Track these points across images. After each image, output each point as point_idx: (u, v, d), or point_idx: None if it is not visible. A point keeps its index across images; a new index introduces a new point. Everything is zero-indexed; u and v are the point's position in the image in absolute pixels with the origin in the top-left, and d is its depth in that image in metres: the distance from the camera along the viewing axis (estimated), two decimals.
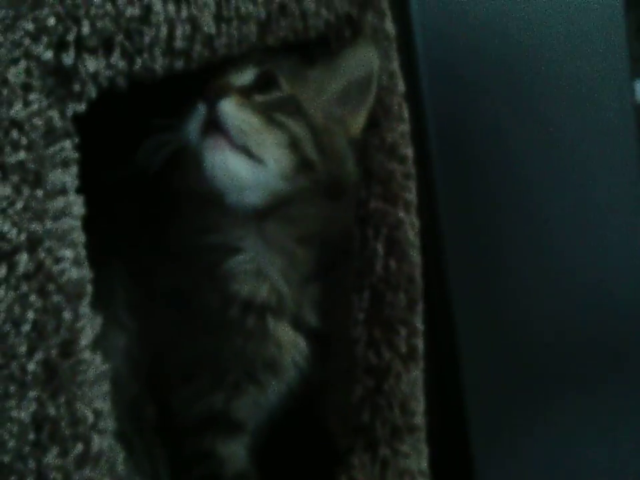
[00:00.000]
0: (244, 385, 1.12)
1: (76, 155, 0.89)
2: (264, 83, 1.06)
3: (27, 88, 0.86)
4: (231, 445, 1.13)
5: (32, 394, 0.87)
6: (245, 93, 1.04)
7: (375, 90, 1.10)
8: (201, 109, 0.99)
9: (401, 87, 1.14)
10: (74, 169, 0.89)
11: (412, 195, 1.13)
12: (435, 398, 1.22)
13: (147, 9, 0.90)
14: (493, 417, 1.36)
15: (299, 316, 1.10)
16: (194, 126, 0.99)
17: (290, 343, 1.12)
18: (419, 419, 1.17)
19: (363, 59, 1.07)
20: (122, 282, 1.11)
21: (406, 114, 1.15)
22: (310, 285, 1.11)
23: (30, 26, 0.84)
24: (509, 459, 1.37)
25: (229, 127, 1.00)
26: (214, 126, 1.00)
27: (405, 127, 1.15)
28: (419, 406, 1.18)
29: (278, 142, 1.03)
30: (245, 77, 1.06)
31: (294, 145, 1.03)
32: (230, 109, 1.00)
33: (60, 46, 0.86)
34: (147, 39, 0.90)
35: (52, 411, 0.87)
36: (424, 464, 1.19)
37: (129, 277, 1.11)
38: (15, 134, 0.84)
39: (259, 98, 1.05)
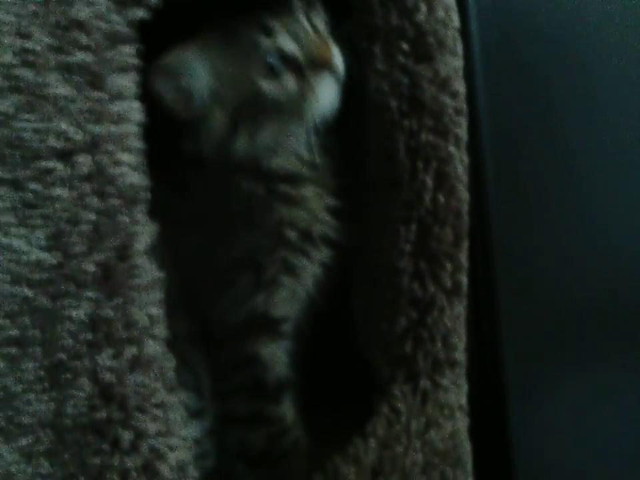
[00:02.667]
0: (280, 278, 1.13)
1: (137, 62, 0.89)
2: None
3: None
4: (273, 347, 1.14)
5: (89, 294, 0.87)
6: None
7: None
8: None
9: (456, 21, 1.13)
10: (135, 76, 0.90)
11: (462, 131, 1.13)
12: (472, 341, 1.21)
13: None
14: (529, 365, 1.36)
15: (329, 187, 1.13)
16: None
17: (321, 212, 1.14)
18: (460, 355, 1.18)
19: None
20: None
21: (460, 49, 1.15)
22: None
23: None
24: (543, 404, 1.36)
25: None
26: None
27: (458, 62, 1.14)
28: (461, 342, 1.18)
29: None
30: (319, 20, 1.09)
31: None
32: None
33: None
34: None
35: (107, 312, 0.88)
36: (463, 399, 1.19)
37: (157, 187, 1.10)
38: (77, 34, 0.84)
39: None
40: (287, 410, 1.15)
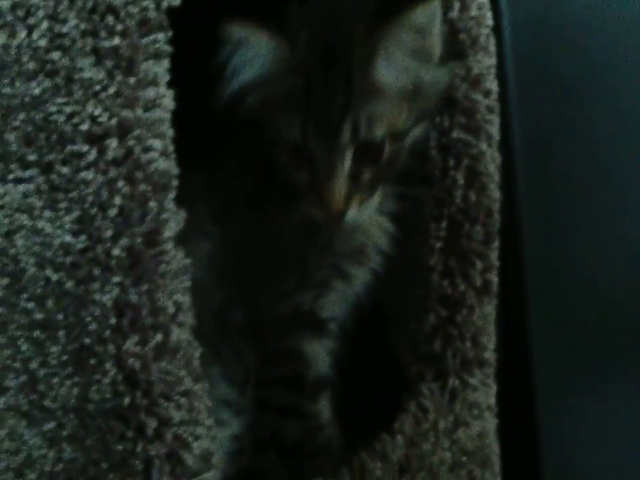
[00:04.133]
0: (331, 281, 1.13)
1: (169, 49, 0.89)
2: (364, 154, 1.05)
3: None
4: (316, 345, 1.14)
5: (115, 279, 0.87)
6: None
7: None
8: None
9: (489, 19, 1.13)
10: (166, 62, 0.90)
11: (494, 129, 1.12)
12: (501, 342, 1.20)
13: None
14: (559, 368, 1.34)
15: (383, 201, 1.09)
16: None
17: (375, 227, 1.11)
18: (490, 354, 1.17)
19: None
20: (202, 192, 1.12)
21: (493, 48, 1.14)
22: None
23: None
24: (572, 408, 1.35)
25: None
26: None
27: (491, 61, 1.14)
28: (490, 341, 1.17)
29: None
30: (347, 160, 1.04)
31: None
32: (352, 217, 1.04)
33: None
34: None
35: (134, 297, 0.88)
36: (492, 400, 1.18)
37: (210, 186, 1.12)
38: (110, 19, 0.85)
39: (365, 174, 1.06)
40: (323, 408, 1.15)
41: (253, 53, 1.00)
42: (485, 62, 1.11)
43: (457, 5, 1.08)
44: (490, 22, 1.12)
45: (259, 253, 1.11)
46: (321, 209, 1.02)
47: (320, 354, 1.14)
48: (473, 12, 1.10)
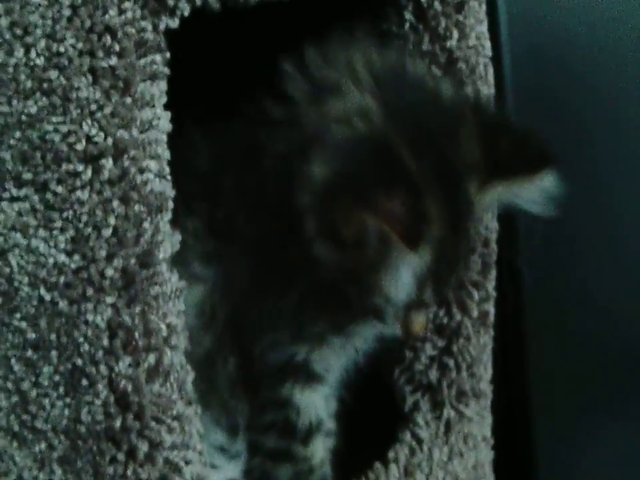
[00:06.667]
0: (328, 337, 1.08)
1: (166, 71, 0.90)
2: None
3: None
4: (310, 396, 1.11)
5: (108, 299, 0.87)
6: None
7: None
8: None
9: (488, 49, 1.14)
10: (163, 84, 0.90)
11: None
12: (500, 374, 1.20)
13: None
14: (557, 400, 1.34)
15: None
16: None
17: None
18: (486, 385, 1.17)
19: None
20: (195, 234, 1.08)
21: (491, 77, 1.14)
22: None
23: None
24: (570, 442, 1.34)
25: None
26: None
27: (489, 90, 1.14)
28: (487, 372, 1.17)
29: None
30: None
31: None
32: None
33: None
34: None
35: (127, 319, 0.87)
36: (488, 431, 1.18)
37: (204, 228, 1.08)
38: (108, 39, 0.85)
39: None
40: (316, 450, 1.12)
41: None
42: (483, 91, 1.12)
43: (455, 34, 1.08)
44: (489, 51, 1.12)
45: (257, 299, 1.06)
46: (400, 328, 1.02)
47: (313, 402, 1.10)
48: (472, 41, 1.11)
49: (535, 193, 0.98)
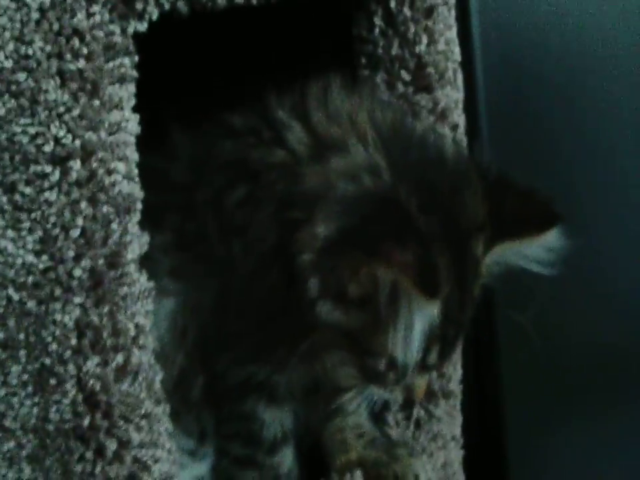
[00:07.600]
0: (293, 362, 1.00)
1: (134, 74, 0.91)
2: None
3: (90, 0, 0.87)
4: (274, 412, 1.09)
5: (76, 300, 0.87)
6: None
7: None
8: None
9: (457, 54, 1.15)
10: (131, 87, 0.91)
11: None
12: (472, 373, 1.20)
13: None
14: (529, 400, 1.35)
15: None
16: None
17: None
18: (455, 386, 1.18)
19: None
20: (164, 249, 1.07)
21: (460, 82, 1.16)
22: None
23: None
24: (542, 441, 1.35)
25: None
26: None
27: (458, 95, 1.15)
28: (456, 372, 1.18)
29: None
30: None
31: None
32: None
33: None
34: None
35: (95, 319, 0.88)
36: (457, 431, 1.19)
37: (174, 242, 1.07)
38: (76, 42, 0.86)
39: None
40: (284, 461, 1.12)
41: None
42: (452, 96, 1.13)
43: (424, 39, 1.09)
44: (458, 57, 1.13)
45: (220, 319, 1.05)
46: (401, 394, 1.03)
47: (279, 417, 1.09)
48: (441, 46, 1.12)
49: (541, 252, 0.97)
